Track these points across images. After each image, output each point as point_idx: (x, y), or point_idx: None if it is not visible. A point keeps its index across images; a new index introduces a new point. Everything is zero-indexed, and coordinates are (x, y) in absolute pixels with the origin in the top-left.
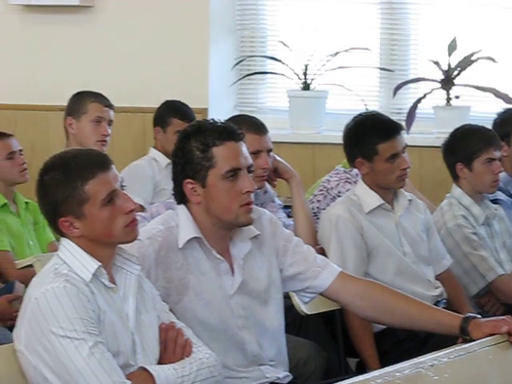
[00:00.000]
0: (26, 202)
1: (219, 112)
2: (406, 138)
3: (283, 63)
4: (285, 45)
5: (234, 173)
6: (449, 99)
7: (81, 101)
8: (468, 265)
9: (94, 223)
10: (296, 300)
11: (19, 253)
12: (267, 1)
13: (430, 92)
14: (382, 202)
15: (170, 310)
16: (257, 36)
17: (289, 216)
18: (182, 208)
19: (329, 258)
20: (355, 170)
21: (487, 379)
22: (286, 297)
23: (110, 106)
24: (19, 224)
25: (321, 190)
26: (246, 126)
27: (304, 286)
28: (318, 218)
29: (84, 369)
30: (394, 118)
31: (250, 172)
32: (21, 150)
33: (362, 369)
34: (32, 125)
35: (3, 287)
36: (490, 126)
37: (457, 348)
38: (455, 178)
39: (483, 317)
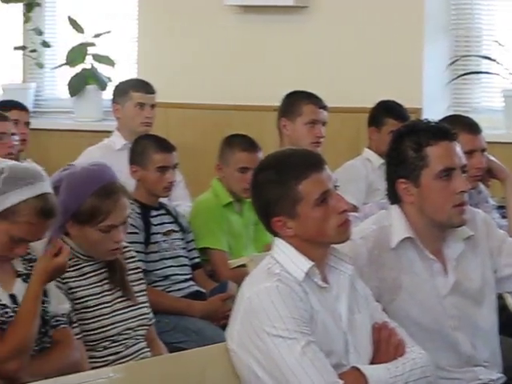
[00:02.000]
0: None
1: (433, 112)
2: None
3: (498, 63)
4: (500, 44)
5: (447, 172)
6: None
7: (295, 102)
8: None
9: (306, 223)
10: (510, 301)
11: (236, 253)
12: (482, 0)
13: None
14: None
15: (383, 310)
16: (472, 35)
17: (503, 217)
18: (395, 208)
19: None
20: None
21: None
22: (498, 297)
23: (324, 107)
24: (241, 224)
25: None
26: (459, 125)
27: None
28: None
29: (296, 368)
30: None
31: (463, 172)
32: None
33: None
34: (247, 125)
35: (217, 286)
36: None
37: None
38: None
39: None
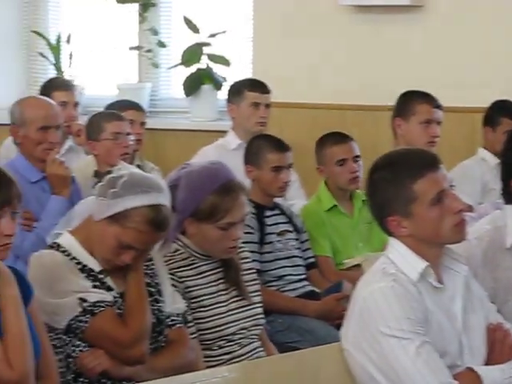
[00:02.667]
0: (364, 200)
1: None
2: None
3: None
4: None
5: None
6: None
7: (409, 102)
8: None
9: (421, 223)
10: None
11: (345, 254)
12: None
13: None
14: None
15: (498, 311)
16: None
17: None
18: (510, 208)
19: None
20: None
21: None
22: None
23: (438, 106)
24: (348, 225)
25: None
26: None
27: None
28: None
29: (410, 368)
30: None
31: None
32: (357, 157)
33: None
34: (361, 125)
35: (331, 286)
36: None
37: None
38: None
39: None
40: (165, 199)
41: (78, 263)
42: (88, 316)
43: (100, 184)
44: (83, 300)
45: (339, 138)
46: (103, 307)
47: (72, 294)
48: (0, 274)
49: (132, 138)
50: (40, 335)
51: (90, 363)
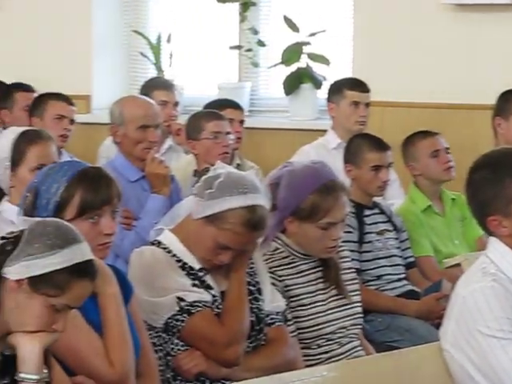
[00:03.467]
0: (453, 198)
1: None
2: None
3: None
4: None
5: None
6: None
7: (510, 101)
8: None
9: None
10: None
11: (445, 253)
12: None
13: None
14: None
15: None
16: None
17: None
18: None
19: None
20: None
21: None
22: None
23: None
24: (443, 224)
25: None
26: None
27: None
28: None
29: (510, 369)
30: None
31: None
32: (447, 149)
33: None
34: (459, 124)
35: (431, 285)
36: None
37: None
38: None
39: None
40: (261, 199)
41: (179, 261)
42: (185, 315)
43: (197, 184)
44: (181, 299)
45: (427, 133)
46: (201, 307)
47: (170, 293)
48: (100, 273)
49: (232, 137)
50: (140, 333)
51: (186, 364)
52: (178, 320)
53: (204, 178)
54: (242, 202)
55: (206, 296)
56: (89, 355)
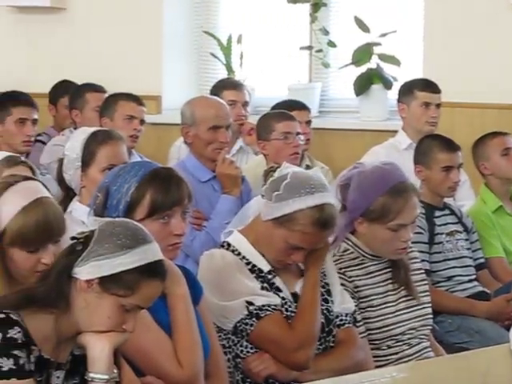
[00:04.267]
0: None
1: None
2: None
3: None
4: None
5: None
6: None
7: None
8: None
9: None
10: None
11: None
12: None
13: None
14: None
15: None
16: None
17: None
18: None
19: None
20: None
21: None
22: None
23: None
24: None
25: None
26: None
27: None
28: None
29: None
30: None
31: None
32: None
33: None
34: None
35: (502, 287)
36: None
37: None
38: None
39: None
40: (329, 197)
41: (248, 263)
42: (254, 320)
43: (264, 186)
44: (250, 303)
45: (497, 132)
46: (270, 311)
47: (239, 297)
48: (170, 274)
49: (302, 137)
50: (209, 334)
51: (256, 367)
52: (246, 324)
53: (271, 179)
54: (311, 202)
55: (274, 299)
56: (158, 356)
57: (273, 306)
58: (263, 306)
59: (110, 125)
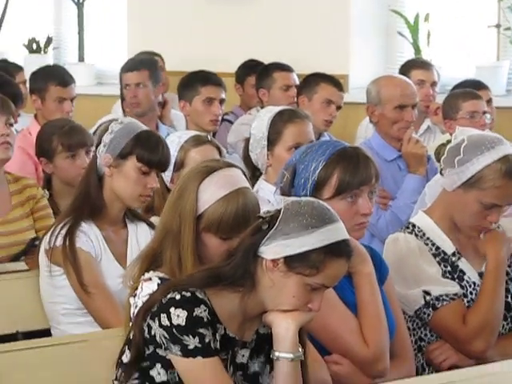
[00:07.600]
0: None
1: None
2: None
3: None
4: None
5: None
6: None
7: None
8: None
9: None
10: None
11: None
12: None
13: None
14: None
15: None
16: None
17: None
18: None
19: None
20: None
21: None
22: None
23: None
24: None
25: None
26: None
27: None
28: None
29: None
30: None
31: None
32: None
33: None
34: None
35: None
36: None
37: None
38: None
39: None
40: (510, 148)
41: (432, 245)
42: (430, 309)
43: (443, 157)
44: (427, 293)
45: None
46: (447, 301)
47: (418, 285)
48: (356, 253)
49: (488, 116)
50: (395, 314)
51: (437, 358)
52: (424, 313)
53: (448, 147)
54: (495, 156)
55: (453, 288)
56: (343, 334)
57: (451, 296)
58: (440, 295)
59: (307, 105)
